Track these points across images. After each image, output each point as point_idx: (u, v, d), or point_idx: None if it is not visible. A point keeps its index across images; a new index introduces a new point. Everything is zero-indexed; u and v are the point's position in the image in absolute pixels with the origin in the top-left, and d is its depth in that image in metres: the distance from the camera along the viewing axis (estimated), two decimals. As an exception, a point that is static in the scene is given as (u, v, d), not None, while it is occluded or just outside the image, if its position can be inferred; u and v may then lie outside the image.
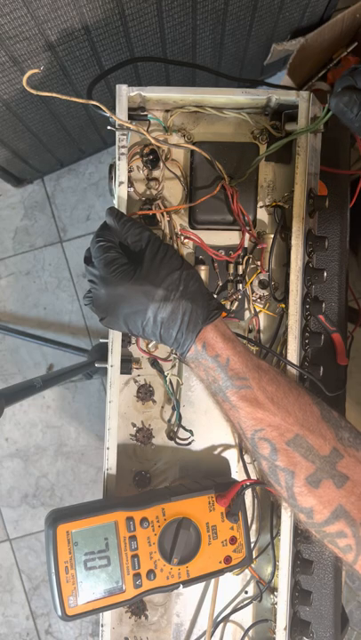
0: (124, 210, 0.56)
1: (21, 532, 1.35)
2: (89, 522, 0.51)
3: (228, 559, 0.56)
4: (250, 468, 0.62)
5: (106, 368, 0.56)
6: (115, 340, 0.56)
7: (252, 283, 0.62)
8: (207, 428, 0.63)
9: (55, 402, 1.35)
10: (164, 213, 0.60)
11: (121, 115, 0.56)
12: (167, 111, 0.61)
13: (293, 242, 0.57)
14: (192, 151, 0.60)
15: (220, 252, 0.61)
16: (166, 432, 0.63)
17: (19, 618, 1.35)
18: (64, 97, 0.54)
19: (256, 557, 0.62)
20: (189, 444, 0.63)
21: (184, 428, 0.62)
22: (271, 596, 0.61)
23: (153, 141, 0.57)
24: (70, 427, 1.35)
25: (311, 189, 0.59)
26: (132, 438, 0.63)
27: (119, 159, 0.56)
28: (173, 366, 0.62)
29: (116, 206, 0.56)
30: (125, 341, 0.58)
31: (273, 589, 0.60)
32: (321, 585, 0.60)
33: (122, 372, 0.58)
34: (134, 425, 0.63)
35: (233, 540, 0.57)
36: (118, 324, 0.51)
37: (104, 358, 0.57)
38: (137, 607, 0.62)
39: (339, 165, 0.64)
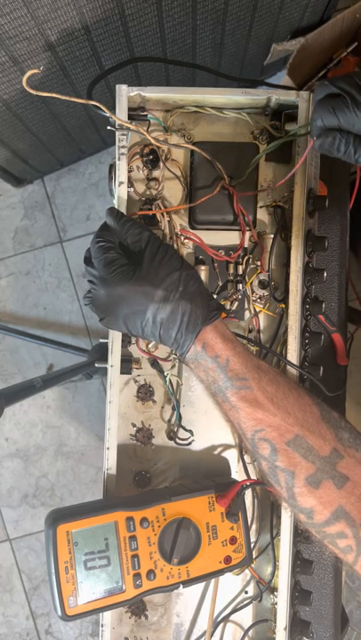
0: (124, 210, 0.56)
1: (21, 532, 1.35)
2: (89, 522, 0.51)
3: (228, 559, 0.56)
4: (250, 468, 0.62)
5: (106, 368, 0.56)
6: (115, 340, 0.56)
7: (252, 283, 0.62)
8: (207, 428, 0.63)
9: (55, 402, 1.35)
10: (164, 213, 0.60)
11: (121, 115, 0.56)
12: (167, 111, 0.61)
13: (293, 242, 0.57)
14: (192, 151, 0.60)
15: (220, 252, 0.61)
16: (166, 432, 0.63)
17: (19, 618, 1.35)
18: (64, 97, 0.54)
19: (256, 557, 0.62)
20: (189, 444, 0.63)
21: (184, 428, 0.62)
22: (271, 596, 0.61)
23: (153, 141, 0.57)
24: (70, 427, 1.35)
25: (311, 189, 0.59)
26: (132, 438, 0.63)
27: (119, 159, 0.56)
28: (173, 366, 0.62)
29: (115, 206, 0.56)
30: (125, 341, 0.58)
31: (273, 589, 0.60)
32: (321, 585, 0.60)
33: (122, 372, 0.58)
34: (134, 425, 0.63)
35: (233, 540, 0.57)
36: (118, 324, 0.51)
37: (104, 358, 0.57)
38: (137, 607, 0.62)
39: (337, 166, 0.64)
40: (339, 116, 0.48)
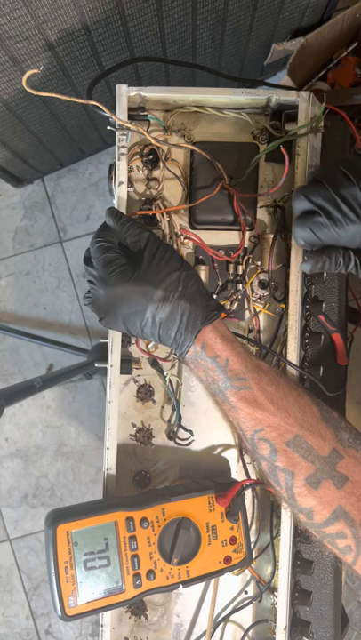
0: (123, 210, 0.56)
1: (21, 532, 1.35)
2: (89, 522, 0.51)
3: (228, 559, 0.56)
4: (250, 468, 0.62)
5: (106, 368, 0.56)
6: (115, 339, 0.56)
7: (252, 283, 0.62)
8: (207, 428, 0.63)
9: (55, 402, 1.35)
10: (164, 213, 0.60)
11: (121, 115, 0.56)
12: (167, 111, 0.61)
13: (293, 242, 0.57)
14: (192, 151, 0.60)
15: (220, 252, 0.61)
16: (166, 432, 0.63)
17: (19, 618, 1.35)
18: (64, 97, 0.54)
19: (256, 557, 0.62)
20: (189, 444, 0.63)
21: (184, 428, 0.62)
22: (271, 596, 0.61)
23: (153, 141, 0.57)
24: (70, 427, 1.35)
25: (311, 189, 0.59)
26: (132, 438, 0.63)
27: (119, 159, 0.56)
28: (173, 366, 0.62)
29: (115, 206, 0.56)
30: (125, 341, 0.58)
31: (273, 589, 0.60)
32: (321, 585, 0.60)
33: (122, 372, 0.58)
34: (134, 425, 0.63)
35: (233, 540, 0.57)
36: (117, 324, 0.51)
37: (104, 358, 0.57)
38: (137, 607, 0.62)
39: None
40: (319, 235, 0.49)
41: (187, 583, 0.54)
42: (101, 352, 1.08)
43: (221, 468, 0.63)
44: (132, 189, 0.61)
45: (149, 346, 0.62)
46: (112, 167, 0.58)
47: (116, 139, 0.56)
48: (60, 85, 0.91)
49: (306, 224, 0.50)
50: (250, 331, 0.63)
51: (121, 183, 0.56)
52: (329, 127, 0.59)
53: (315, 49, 1.03)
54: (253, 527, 0.62)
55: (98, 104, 0.54)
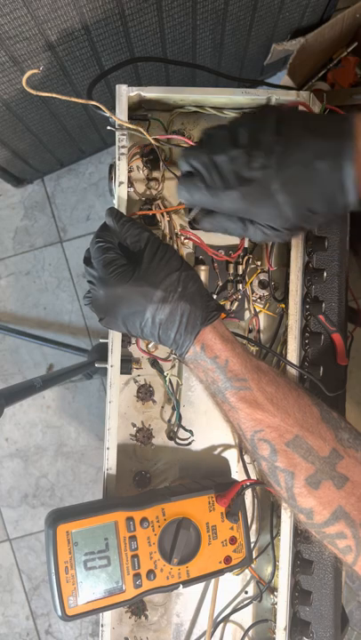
0: (123, 210, 0.56)
1: (21, 532, 1.35)
2: (89, 522, 0.51)
3: (228, 559, 0.56)
4: (250, 468, 0.62)
5: (106, 368, 0.56)
6: (115, 340, 0.56)
7: (252, 283, 0.62)
8: (207, 428, 0.63)
9: (55, 402, 1.35)
10: (164, 213, 0.60)
11: (121, 115, 0.56)
12: (167, 111, 0.61)
13: (293, 242, 0.57)
14: (192, 151, 0.60)
15: (220, 251, 0.61)
16: (166, 432, 0.63)
17: (19, 618, 1.35)
18: (64, 97, 0.54)
19: (256, 557, 0.62)
20: (189, 444, 0.63)
21: (184, 428, 0.62)
22: (271, 596, 0.61)
23: (153, 141, 0.57)
24: (70, 427, 1.35)
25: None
26: (132, 438, 0.63)
27: (119, 159, 0.56)
28: (173, 366, 0.62)
29: (115, 206, 0.56)
30: (125, 341, 0.58)
31: (273, 589, 0.60)
32: (321, 585, 0.60)
33: (122, 372, 0.58)
34: (134, 425, 0.63)
35: (233, 540, 0.57)
36: (117, 324, 0.51)
37: (104, 358, 0.57)
38: (137, 607, 0.62)
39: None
40: (195, 197, 0.49)
41: (187, 583, 0.54)
42: (101, 352, 1.08)
43: (221, 468, 0.63)
44: (132, 189, 0.61)
45: (149, 346, 0.62)
46: (112, 167, 0.58)
47: (116, 139, 0.56)
48: (60, 85, 0.91)
49: (186, 184, 0.50)
50: (250, 331, 0.63)
51: (121, 183, 0.56)
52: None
53: (315, 49, 1.03)
54: (253, 527, 0.62)
55: (98, 104, 0.54)
